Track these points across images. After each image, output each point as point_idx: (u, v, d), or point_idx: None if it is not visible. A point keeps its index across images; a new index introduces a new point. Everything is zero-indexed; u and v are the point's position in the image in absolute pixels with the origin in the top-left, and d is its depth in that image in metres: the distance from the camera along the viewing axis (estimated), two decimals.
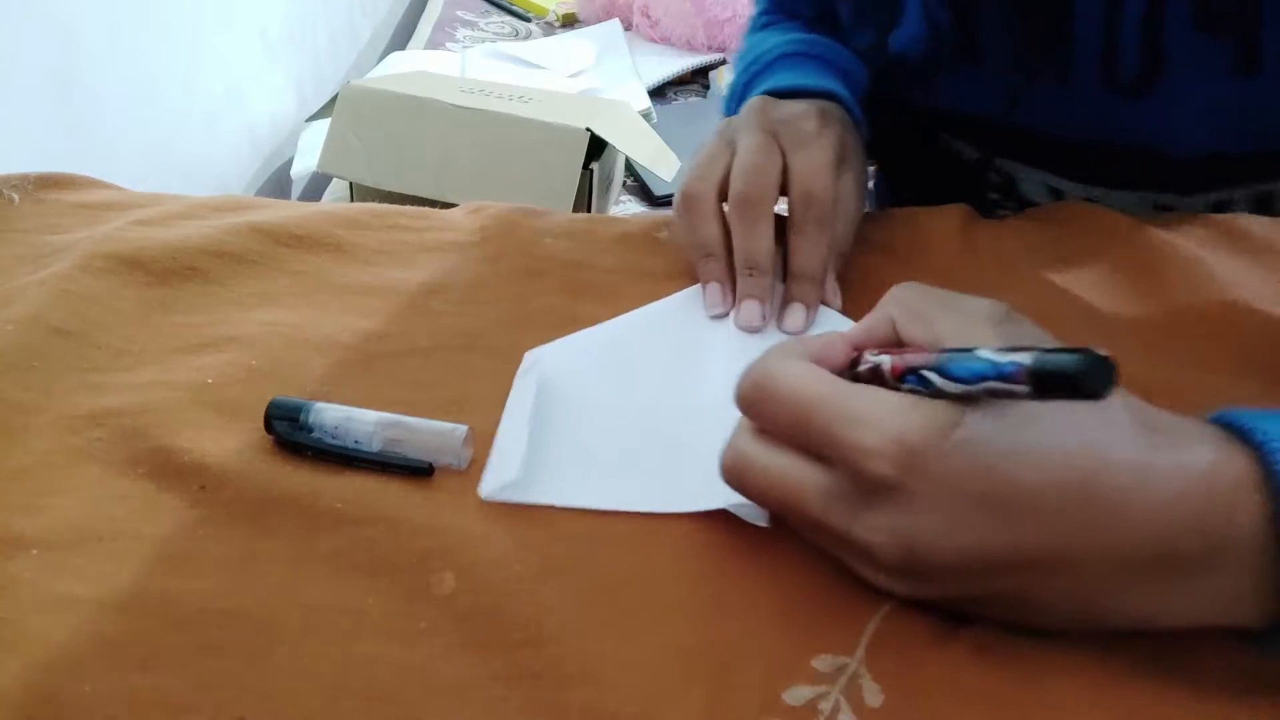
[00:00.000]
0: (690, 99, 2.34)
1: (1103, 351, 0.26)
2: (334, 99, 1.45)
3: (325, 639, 0.35)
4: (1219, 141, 0.57)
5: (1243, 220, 0.55)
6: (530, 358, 0.46)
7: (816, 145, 0.50)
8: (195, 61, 1.47)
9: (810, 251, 0.48)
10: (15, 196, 0.58)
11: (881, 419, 0.31)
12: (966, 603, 0.33)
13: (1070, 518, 0.30)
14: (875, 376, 0.35)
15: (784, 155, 0.50)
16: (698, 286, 0.50)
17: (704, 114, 2.24)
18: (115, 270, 0.51)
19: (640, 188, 2.08)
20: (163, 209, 0.56)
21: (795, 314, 0.48)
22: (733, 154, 0.50)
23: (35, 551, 0.37)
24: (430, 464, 0.41)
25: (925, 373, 0.32)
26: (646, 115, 2.14)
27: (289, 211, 0.57)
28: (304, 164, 1.61)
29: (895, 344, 0.36)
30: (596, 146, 1.81)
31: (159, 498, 0.40)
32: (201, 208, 0.57)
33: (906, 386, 0.33)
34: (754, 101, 0.54)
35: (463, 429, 0.41)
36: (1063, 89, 0.57)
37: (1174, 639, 0.33)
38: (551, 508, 0.40)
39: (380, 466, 0.41)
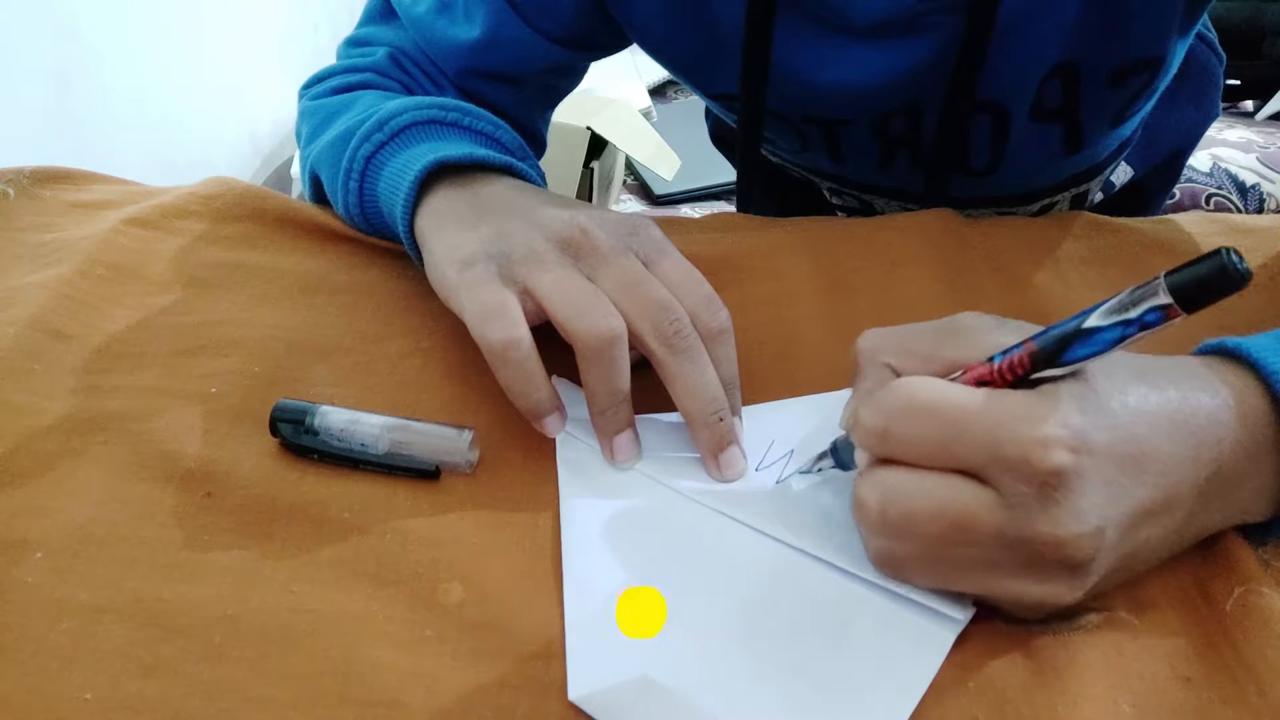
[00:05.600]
0: (691, 98, 2.34)
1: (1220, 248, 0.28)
2: None
3: (330, 646, 0.35)
4: (1052, 185, 0.67)
5: (1234, 217, 0.56)
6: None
7: (667, 247, 0.44)
8: (195, 61, 1.47)
9: (732, 358, 0.42)
10: (11, 191, 0.57)
11: (1039, 410, 0.31)
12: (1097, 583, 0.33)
13: (1177, 459, 0.33)
14: None
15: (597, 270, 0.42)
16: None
17: (704, 113, 2.23)
18: (116, 279, 0.51)
19: (640, 186, 2.08)
20: (156, 203, 0.56)
21: (736, 427, 0.42)
22: (521, 290, 0.41)
23: (40, 555, 0.37)
24: (437, 467, 0.41)
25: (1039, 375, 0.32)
26: (647, 114, 2.14)
27: (284, 209, 0.56)
28: None
29: None
30: (597, 145, 1.81)
31: (163, 503, 0.39)
32: (193, 199, 0.57)
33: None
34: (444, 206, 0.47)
35: (469, 432, 0.41)
36: (918, 173, 0.63)
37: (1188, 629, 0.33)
38: (557, 520, 0.40)
39: (386, 470, 0.41)
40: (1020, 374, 0.32)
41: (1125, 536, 0.32)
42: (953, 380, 0.33)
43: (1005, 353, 0.32)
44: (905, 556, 0.34)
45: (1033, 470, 0.30)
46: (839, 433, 0.40)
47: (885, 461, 0.33)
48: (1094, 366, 0.32)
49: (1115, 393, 0.32)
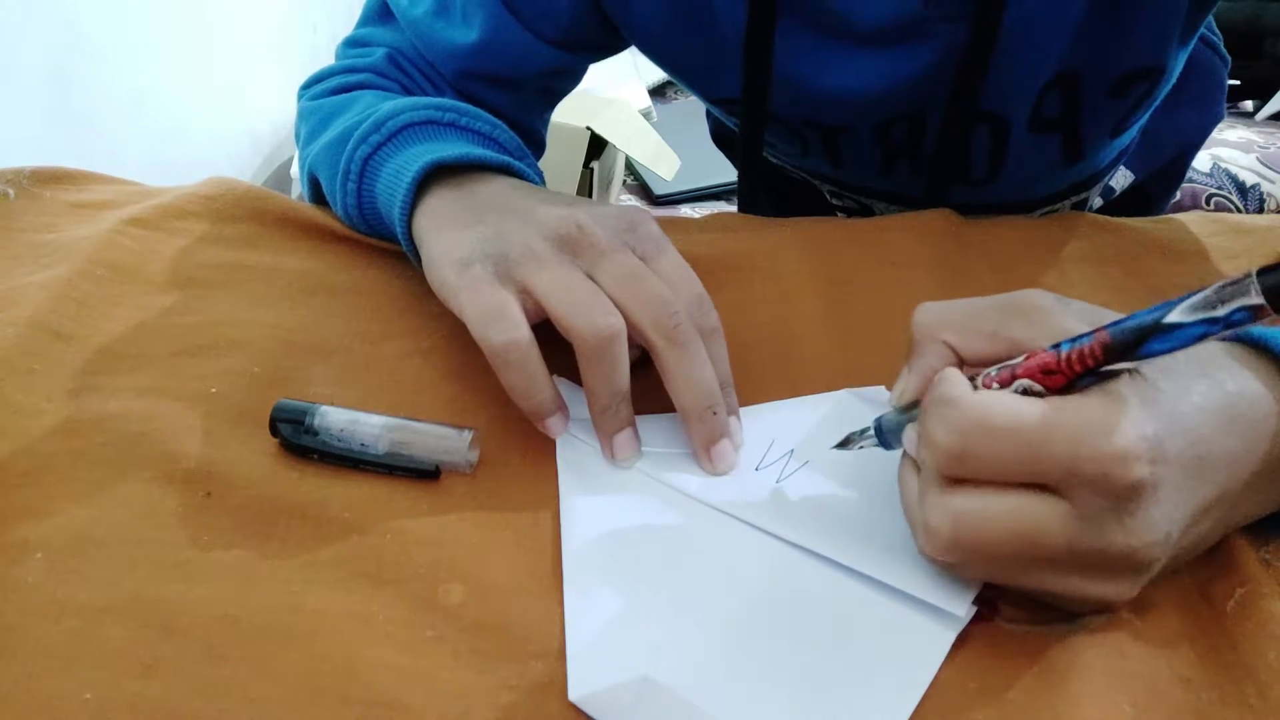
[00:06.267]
0: (690, 98, 2.34)
1: None
2: None
3: (330, 646, 0.35)
4: (1051, 194, 0.67)
5: (1234, 217, 0.57)
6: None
7: (664, 244, 0.43)
8: (195, 61, 1.47)
9: (724, 358, 0.42)
10: (11, 192, 0.57)
11: (1113, 420, 0.30)
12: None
13: (1234, 455, 0.33)
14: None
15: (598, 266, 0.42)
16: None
17: (704, 113, 2.23)
18: (116, 279, 0.51)
19: (640, 186, 2.08)
20: (156, 203, 0.56)
21: (735, 428, 0.42)
22: (520, 290, 0.41)
23: (40, 555, 0.37)
24: (437, 466, 0.41)
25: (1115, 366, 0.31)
26: (647, 114, 2.14)
27: (284, 209, 0.56)
28: None
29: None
30: (597, 145, 1.81)
31: (163, 503, 0.39)
32: (193, 199, 0.57)
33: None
34: (444, 204, 0.47)
35: (469, 432, 0.41)
36: (918, 180, 0.63)
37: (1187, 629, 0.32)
38: (557, 520, 0.40)
39: (386, 470, 0.41)
40: (1090, 365, 0.31)
41: (1184, 534, 0.32)
42: (1016, 365, 0.32)
43: (1074, 341, 0.31)
44: (967, 568, 0.33)
45: (1112, 485, 0.30)
46: (839, 433, 0.39)
47: (950, 479, 0.32)
48: (1150, 371, 0.31)
49: (1181, 392, 0.32)
